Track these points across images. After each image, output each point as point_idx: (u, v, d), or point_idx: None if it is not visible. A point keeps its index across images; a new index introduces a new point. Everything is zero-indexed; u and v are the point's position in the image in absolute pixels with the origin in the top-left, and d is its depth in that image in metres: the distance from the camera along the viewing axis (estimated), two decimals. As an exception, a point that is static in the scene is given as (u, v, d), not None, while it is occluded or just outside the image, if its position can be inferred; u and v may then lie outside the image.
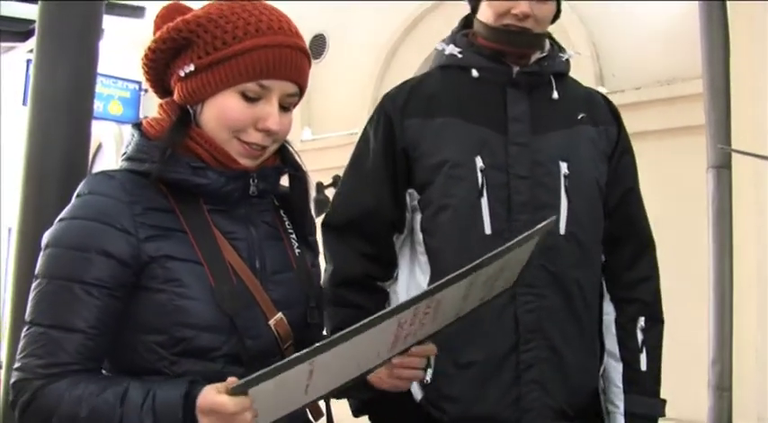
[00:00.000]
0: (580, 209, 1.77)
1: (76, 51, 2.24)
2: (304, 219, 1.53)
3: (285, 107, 1.38)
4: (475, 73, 1.82)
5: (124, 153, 1.39)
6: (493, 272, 1.33)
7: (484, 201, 1.73)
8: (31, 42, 8.08)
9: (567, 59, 1.90)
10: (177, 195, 1.35)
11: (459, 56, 1.85)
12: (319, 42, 6.59)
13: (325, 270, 1.80)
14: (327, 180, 5.96)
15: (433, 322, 1.31)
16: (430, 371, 1.72)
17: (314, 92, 6.51)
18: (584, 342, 1.79)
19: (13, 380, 1.27)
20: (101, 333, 1.26)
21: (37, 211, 2.22)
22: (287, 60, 1.35)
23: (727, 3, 3.52)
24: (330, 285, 1.79)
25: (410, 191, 1.82)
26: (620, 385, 1.81)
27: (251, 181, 1.39)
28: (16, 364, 1.27)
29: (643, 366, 1.81)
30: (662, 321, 1.87)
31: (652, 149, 4.04)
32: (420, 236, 1.81)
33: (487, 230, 1.72)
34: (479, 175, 1.74)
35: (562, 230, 1.75)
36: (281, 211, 1.51)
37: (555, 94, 1.85)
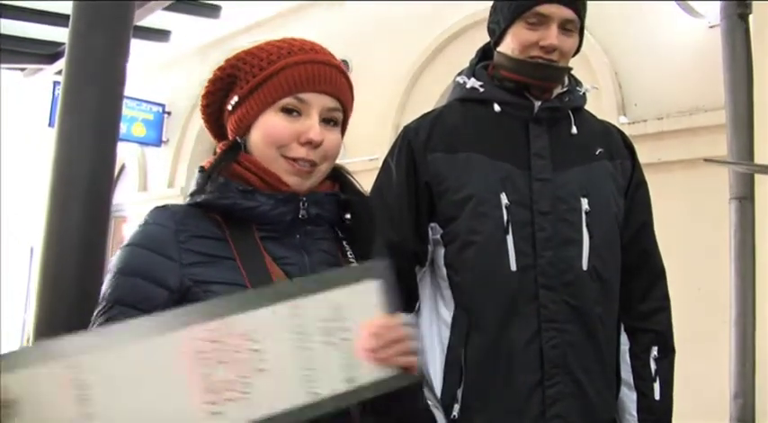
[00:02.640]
0: (601, 244, 1.78)
1: (104, 74, 2.27)
2: (369, 248, 1.50)
3: (329, 123, 1.42)
4: (497, 108, 1.83)
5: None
6: (324, 312, 1.21)
7: (509, 237, 1.73)
8: (58, 64, 8.26)
9: (584, 93, 1.91)
10: (230, 224, 1.38)
11: (481, 90, 1.85)
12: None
13: None
14: (348, 205, 5.97)
15: (272, 378, 1.15)
16: (457, 406, 1.72)
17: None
18: (604, 375, 1.80)
19: None
20: None
21: (60, 231, 2.24)
22: (320, 74, 1.40)
23: (751, 33, 3.52)
24: None
25: (432, 225, 1.81)
26: (635, 414, 1.82)
27: (301, 204, 1.40)
28: None
29: (657, 396, 1.82)
30: (674, 351, 1.88)
31: (674, 180, 4.03)
32: (444, 270, 1.80)
33: (513, 267, 1.73)
34: (504, 211, 1.74)
35: (584, 266, 1.75)
36: (344, 242, 1.50)
37: (574, 129, 1.86)
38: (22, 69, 9.15)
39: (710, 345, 3.55)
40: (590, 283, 1.75)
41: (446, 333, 1.77)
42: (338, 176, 1.49)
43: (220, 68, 1.45)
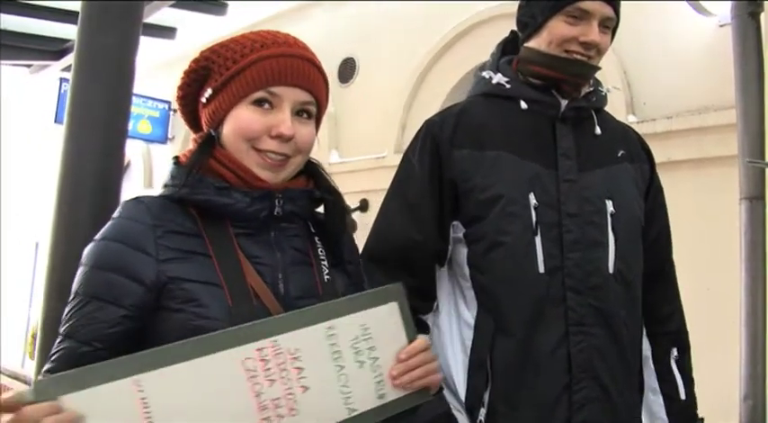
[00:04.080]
0: (625, 247, 1.76)
1: (114, 72, 2.26)
2: (339, 245, 1.51)
3: (302, 115, 1.42)
4: (524, 105, 1.79)
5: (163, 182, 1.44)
6: (355, 331, 1.28)
7: (538, 239, 1.70)
8: (65, 61, 8.25)
9: (606, 94, 1.89)
10: (206, 219, 1.38)
11: (507, 86, 1.81)
12: (349, 66, 6.62)
13: None
14: (354, 203, 5.94)
15: (316, 395, 1.22)
16: (483, 410, 1.69)
17: (342, 115, 6.57)
18: (629, 380, 1.78)
19: None
20: (106, 348, 1.29)
21: (69, 227, 2.23)
22: (292, 67, 1.40)
23: (762, 32, 3.49)
24: None
25: (455, 223, 1.77)
26: (665, 418, 1.82)
27: (276, 201, 1.39)
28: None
29: (682, 396, 1.83)
30: (690, 347, 1.89)
31: (682, 179, 4.00)
32: (466, 270, 1.76)
33: (541, 269, 1.70)
34: (533, 212, 1.71)
35: (610, 269, 1.73)
36: (316, 238, 1.50)
37: (598, 130, 1.83)
38: (28, 66, 9.14)
39: (720, 346, 3.52)
40: (615, 287, 1.73)
41: (468, 334, 1.74)
42: (312, 172, 1.48)
43: (195, 61, 1.45)
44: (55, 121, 8.41)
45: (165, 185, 1.41)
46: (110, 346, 1.29)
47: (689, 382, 1.85)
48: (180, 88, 1.47)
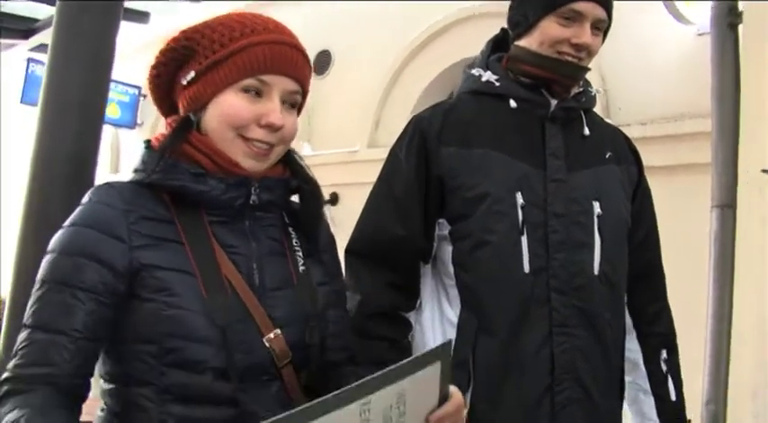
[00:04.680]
0: (611, 249, 1.76)
1: (92, 53, 2.21)
2: (315, 235, 1.49)
3: (288, 106, 1.39)
4: (513, 104, 1.78)
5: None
6: (390, 400, 1.19)
7: (524, 239, 1.69)
8: (33, 40, 8.09)
9: (595, 95, 1.89)
10: (179, 206, 1.34)
11: (497, 84, 1.80)
12: (324, 58, 6.58)
13: (351, 298, 1.74)
14: (325, 197, 5.91)
15: None
16: (464, 411, 1.68)
17: (316, 107, 6.52)
18: (610, 383, 1.78)
19: None
20: (84, 338, 1.25)
21: (41, 212, 2.17)
22: (284, 56, 1.36)
23: (740, 43, 3.52)
24: (360, 317, 1.73)
25: (440, 220, 1.76)
26: (656, 419, 1.83)
27: (253, 190, 1.36)
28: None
29: (672, 396, 1.84)
30: (677, 348, 1.91)
31: (656, 185, 4.00)
32: (451, 269, 1.75)
33: (526, 269, 1.69)
34: (520, 211, 1.70)
35: (595, 270, 1.72)
36: (290, 228, 1.47)
37: (586, 131, 1.82)
38: (-5, 44, 8.97)
39: (684, 350, 3.56)
40: (600, 288, 1.73)
41: (451, 333, 1.73)
42: (289, 161, 1.45)
43: (175, 39, 1.38)
44: (21, 102, 8.26)
45: (136, 170, 1.37)
46: (90, 335, 1.26)
47: (678, 383, 1.87)
48: (154, 67, 1.41)
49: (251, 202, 1.37)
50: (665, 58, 4.31)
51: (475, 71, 1.86)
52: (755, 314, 3.55)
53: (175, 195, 1.34)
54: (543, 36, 1.75)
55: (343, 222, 6.22)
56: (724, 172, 3.53)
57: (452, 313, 1.75)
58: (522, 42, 1.80)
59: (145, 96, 8.92)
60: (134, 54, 8.65)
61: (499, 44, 1.90)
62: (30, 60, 8.34)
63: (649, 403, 1.84)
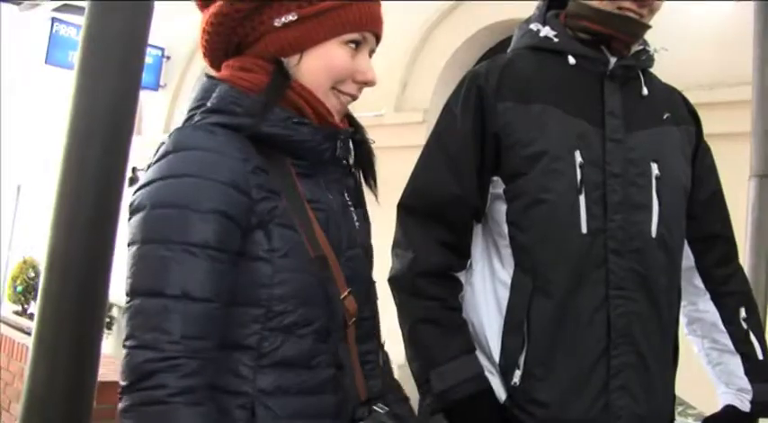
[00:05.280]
0: (669, 212, 1.70)
1: (131, 11, 2.17)
2: (367, 187, 1.49)
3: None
4: (572, 60, 1.72)
5: (200, 105, 1.29)
6: None
7: (582, 198, 1.64)
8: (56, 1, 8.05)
9: (653, 55, 1.83)
10: (265, 154, 1.26)
11: (556, 40, 1.75)
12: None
13: (402, 256, 1.72)
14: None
15: None
16: (518, 372, 1.65)
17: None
18: (665, 348, 1.74)
19: (138, 359, 1.13)
20: (223, 304, 1.19)
21: (79, 164, 2.14)
22: (378, 14, 1.37)
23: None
24: (411, 275, 1.70)
25: (495, 178, 1.71)
26: (744, 376, 1.78)
27: (338, 142, 1.34)
28: (134, 342, 1.14)
29: (759, 355, 1.79)
30: (757, 306, 1.86)
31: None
32: (504, 228, 1.70)
33: (584, 229, 1.64)
34: (578, 170, 1.64)
35: (653, 233, 1.67)
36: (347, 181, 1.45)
37: (645, 91, 1.76)
38: (19, 3, 8.93)
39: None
40: (657, 252, 1.68)
41: (504, 294, 1.69)
42: (347, 115, 1.44)
43: None
44: (46, 63, 8.24)
45: (219, 111, 1.26)
46: (226, 299, 1.19)
47: (762, 341, 1.82)
48: (231, 2, 1.31)
49: (336, 154, 1.35)
50: (703, 25, 4.22)
51: (533, 26, 1.80)
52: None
53: (264, 142, 1.26)
54: None
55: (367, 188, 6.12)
56: (763, 141, 3.47)
57: (505, 273, 1.70)
58: None
59: (168, 58, 8.89)
60: (158, 16, 8.64)
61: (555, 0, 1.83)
62: (54, 20, 8.29)
63: (735, 362, 1.80)
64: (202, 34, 1.37)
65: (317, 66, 1.31)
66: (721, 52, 4.12)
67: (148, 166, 1.24)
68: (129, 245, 1.19)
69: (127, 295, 1.17)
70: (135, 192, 1.22)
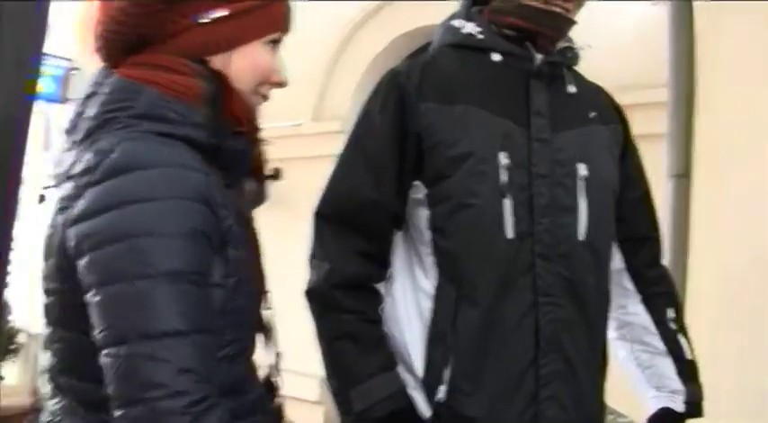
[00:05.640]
0: (597, 213, 1.66)
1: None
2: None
3: None
4: (496, 57, 1.67)
5: (123, 108, 1.14)
6: None
7: (507, 201, 1.58)
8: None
9: (579, 51, 1.79)
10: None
11: (480, 36, 1.69)
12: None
13: (318, 267, 1.64)
14: (268, 172, 5.77)
15: None
16: (443, 388, 1.57)
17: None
18: (593, 355, 1.71)
19: (175, 407, 0.99)
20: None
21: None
22: (291, 14, 1.32)
23: (694, 12, 3.51)
24: (327, 287, 1.62)
25: (415, 183, 1.64)
26: (676, 378, 1.78)
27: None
28: (159, 392, 0.99)
29: (687, 355, 1.80)
30: (682, 306, 1.88)
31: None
32: (427, 235, 1.63)
33: (510, 234, 1.58)
34: (503, 172, 1.59)
35: (581, 236, 1.63)
36: None
37: (572, 88, 1.72)
38: None
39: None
40: (585, 255, 1.64)
41: (427, 304, 1.62)
42: None
43: None
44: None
45: (157, 119, 1.12)
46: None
47: (689, 341, 1.83)
48: None
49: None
50: (619, 27, 4.28)
51: (455, 23, 1.74)
52: (711, 281, 3.58)
53: (203, 152, 1.16)
54: None
55: (287, 198, 6.08)
56: (679, 142, 3.53)
57: (427, 283, 1.63)
58: None
59: (76, 70, 8.60)
60: (65, 27, 8.35)
61: None
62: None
63: (666, 363, 1.79)
64: (97, 26, 1.23)
65: (245, 65, 1.24)
66: (638, 54, 4.18)
67: (87, 184, 1.07)
68: (94, 287, 1.03)
69: (109, 346, 1.02)
70: (81, 220, 1.05)
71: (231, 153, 1.19)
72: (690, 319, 3.24)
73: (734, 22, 3.69)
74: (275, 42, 1.28)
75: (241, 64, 1.23)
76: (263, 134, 1.33)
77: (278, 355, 1.38)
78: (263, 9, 1.24)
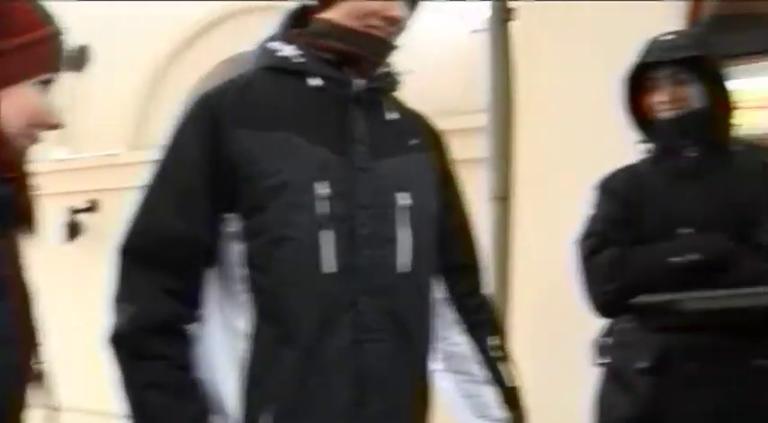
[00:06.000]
0: (418, 244, 1.63)
1: None
2: None
3: None
4: (315, 82, 1.62)
5: None
6: None
7: (328, 233, 1.52)
8: None
9: (399, 77, 1.77)
10: None
11: (298, 60, 1.63)
12: (82, 54, 6.08)
13: (122, 310, 1.51)
14: (82, 204, 5.49)
15: None
16: None
17: (73, 107, 6.00)
18: (418, 390, 1.68)
19: None
20: None
21: None
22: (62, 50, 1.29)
23: (513, 38, 3.64)
24: (131, 331, 1.49)
25: (228, 215, 1.55)
26: (496, 406, 1.75)
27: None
28: None
29: (509, 382, 1.78)
30: (504, 333, 1.86)
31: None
32: (241, 272, 1.54)
33: (330, 269, 1.52)
34: (323, 203, 1.53)
35: (404, 268, 1.60)
36: None
37: (392, 115, 1.70)
38: None
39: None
40: (408, 287, 1.61)
41: (242, 346, 1.53)
42: None
43: None
44: None
45: None
46: None
47: (511, 368, 1.81)
48: None
49: None
50: (438, 54, 4.39)
51: (272, 45, 1.68)
52: (532, 296, 3.71)
53: None
54: (351, 8, 1.60)
55: (103, 231, 5.75)
56: (498, 166, 3.63)
57: (243, 323, 1.54)
58: (330, 14, 1.64)
59: None
60: None
61: (298, 19, 1.71)
62: None
63: (489, 392, 1.76)
64: None
65: (12, 108, 1.18)
66: (458, 80, 4.30)
67: None
68: None
69: None
70: None
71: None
72: (514, 342, 3.35)
73: (548, 48, 3.89)
74: (46, 83, 1.24)
75: (7, 107, 1.18)
76: (31, 178, 1.29)
77: (56, 408, 1.33)
78: (28, 49, 1.18)
